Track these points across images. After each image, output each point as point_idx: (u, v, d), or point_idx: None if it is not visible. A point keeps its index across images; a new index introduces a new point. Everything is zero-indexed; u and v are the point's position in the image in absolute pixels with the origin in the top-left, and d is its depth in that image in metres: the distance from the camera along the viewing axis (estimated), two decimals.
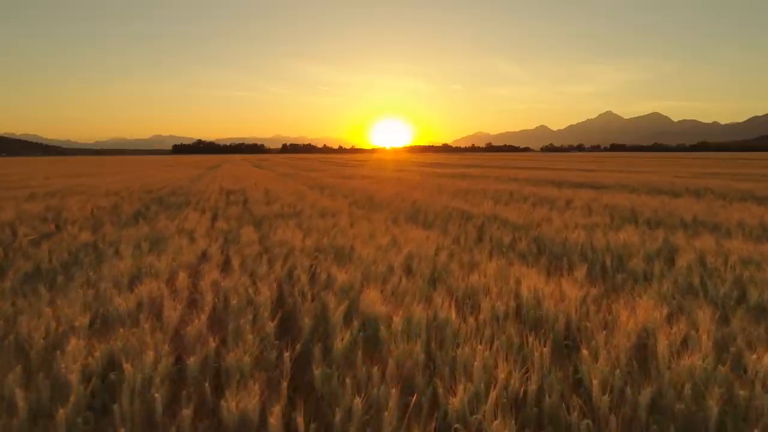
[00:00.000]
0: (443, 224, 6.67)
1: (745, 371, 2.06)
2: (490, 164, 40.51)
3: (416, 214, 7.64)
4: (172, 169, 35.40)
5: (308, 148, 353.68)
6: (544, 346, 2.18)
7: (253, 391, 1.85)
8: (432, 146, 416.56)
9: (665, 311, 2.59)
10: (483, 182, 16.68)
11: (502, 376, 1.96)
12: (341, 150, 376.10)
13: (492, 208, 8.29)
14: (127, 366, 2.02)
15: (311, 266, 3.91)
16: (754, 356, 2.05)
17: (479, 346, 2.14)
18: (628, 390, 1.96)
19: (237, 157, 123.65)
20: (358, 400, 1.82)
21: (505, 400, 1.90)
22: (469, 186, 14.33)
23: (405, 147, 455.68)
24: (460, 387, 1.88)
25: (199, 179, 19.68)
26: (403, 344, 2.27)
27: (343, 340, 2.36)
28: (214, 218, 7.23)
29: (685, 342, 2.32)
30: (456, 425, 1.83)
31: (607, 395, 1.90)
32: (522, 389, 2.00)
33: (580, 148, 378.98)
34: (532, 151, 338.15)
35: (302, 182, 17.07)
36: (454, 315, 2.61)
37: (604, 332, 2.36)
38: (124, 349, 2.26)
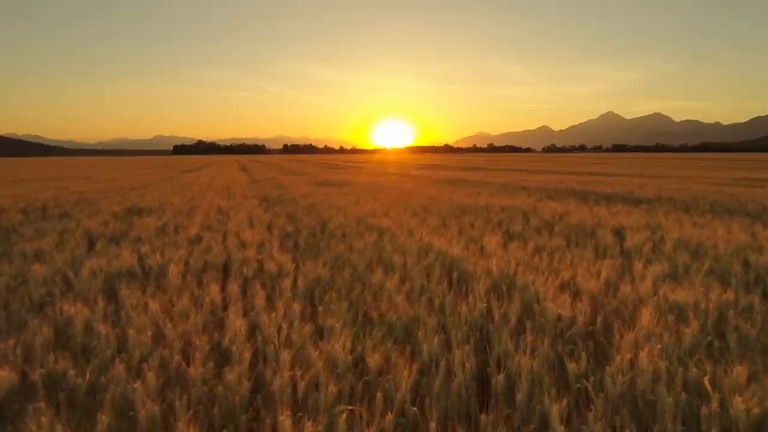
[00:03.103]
0: (410, 307, 3.38)
1: None
2: (492, 167, 37.15)
3: (370, 269, 4.37)
4: (142, 171, 32.10)
5: (309, 149, 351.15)
6: None
7: None
8: (433, 147, 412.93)
9: None
10: (486, 192, 13.39)
11: None
12: (342, 151, 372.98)
13: (502, 251, 5.01)
14: None
15: None
16: None
17: None
18: None
19: (232, 158, 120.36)
20: None
21: None
22: (469, 199, 11.05)
23: (406, 147, 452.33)
24: None
25: (142, 187, 16.42)
26: None
27: None
28: None
29: None
30: None
31: None
32: None
33: (582, 148, 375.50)
34: (534, 151, 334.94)
35: (261, 192, 13.80)
36: None
37: None
38: None
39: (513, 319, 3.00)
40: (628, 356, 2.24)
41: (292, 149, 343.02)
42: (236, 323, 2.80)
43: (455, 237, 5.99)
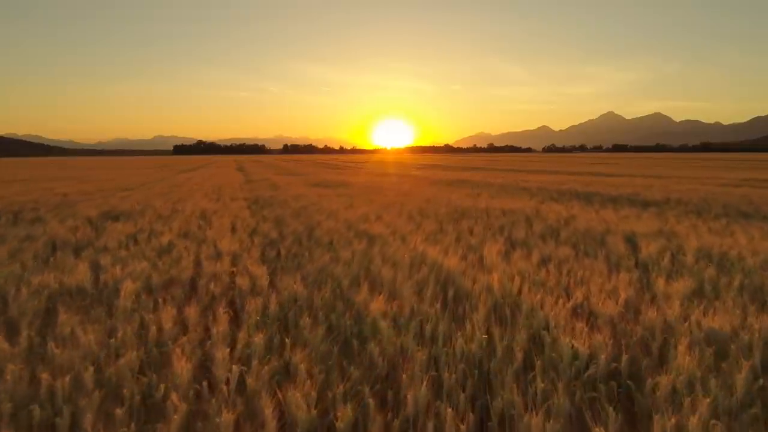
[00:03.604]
0: (396, 335, 2.86)
1: None
2: (492, 167, 36.62)
3: (356, 285, 3.85)
4: (138, 172, 31.57)
5: (309, 149, 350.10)
6: None
7: None
8: (433, 147, 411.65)
9: None
10: (486, 193, 12.88)
11: None
12: (342, 151, 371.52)
13: (504, 263, 4.49)
14: None
15: None
16: None
17: None
18: None
19: (231, 158, 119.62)
20: None
21: None
22: (468, 201, 10.53)
23: (406, 147, 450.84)
24: None
25: (131, 189, 15.91)
26: None
27: None
28: None
29: None
30: None
31: None
32: None
33: (582, 148, 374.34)
34: (534, 151, 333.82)
35: (253, 194, 13.29)
36: None
37: None
38: None
39: (519, 355, 2.48)
40: (673, 420, 1.72)
41: (292, 149, 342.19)
42: (180, 363, 2.28)
43: (452, 245, 5.47)
